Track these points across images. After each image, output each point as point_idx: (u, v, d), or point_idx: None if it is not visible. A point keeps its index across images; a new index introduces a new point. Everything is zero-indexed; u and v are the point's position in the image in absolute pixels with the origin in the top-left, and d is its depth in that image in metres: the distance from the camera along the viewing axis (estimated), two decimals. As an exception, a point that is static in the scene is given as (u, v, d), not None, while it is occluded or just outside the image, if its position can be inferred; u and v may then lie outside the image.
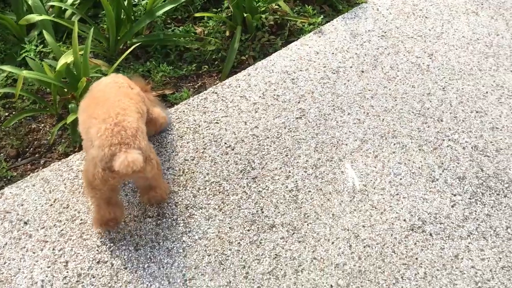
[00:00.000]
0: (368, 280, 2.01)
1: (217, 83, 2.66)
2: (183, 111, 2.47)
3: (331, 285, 1.99)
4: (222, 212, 2.14)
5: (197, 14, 2.89)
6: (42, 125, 2.55)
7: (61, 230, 2.04)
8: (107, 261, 1.97)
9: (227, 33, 2.98)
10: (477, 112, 2.54)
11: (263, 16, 2.88)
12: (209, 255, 2.02)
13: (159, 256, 2.00)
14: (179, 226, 2.09)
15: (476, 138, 2.44)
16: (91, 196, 1.92)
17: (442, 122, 2.49)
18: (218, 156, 2.31)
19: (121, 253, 2.00)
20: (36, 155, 2.42)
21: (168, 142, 2.34)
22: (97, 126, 1.80)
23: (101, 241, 2.03)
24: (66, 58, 2.35)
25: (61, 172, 2.22)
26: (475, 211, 2.22)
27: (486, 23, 2.86)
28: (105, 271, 1.94)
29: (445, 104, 2.55)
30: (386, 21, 2.88)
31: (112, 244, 2.02)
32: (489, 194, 2.27)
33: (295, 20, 2.98)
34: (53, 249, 1.99)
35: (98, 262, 1.97)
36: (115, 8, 2.66)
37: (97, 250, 2.00)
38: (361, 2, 3.01)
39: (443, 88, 2.62)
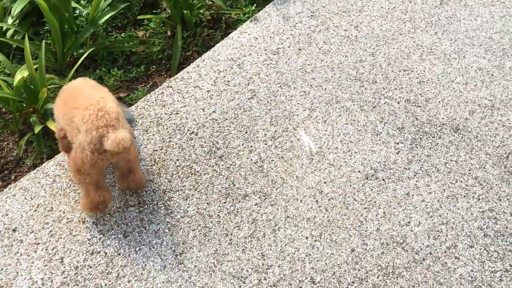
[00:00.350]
0: (337, 227, 2.29)
1: (168, 80, 2.85)
2: (144, 107, 2.65)
3: (306, 237, 2.25)
4: (198, 191, 2.35)
5: (139, 17, 3.06)
6: (5, 143, 2.63)
7: (50, 231, 2.16)
8: (100, 251, 2.12)
9: (169, 33, 3.17)
10: (404, 70, 2.90)
11: (201, 11, 3.10)
12: (193, 230, 2.22)
13: (148, 239, 2.17)
14: (160, 210, 2.27)
15: (407, 93, 2.80)
16: (80, 182, 2.06)
17: (376, 83, 2.82)
18: (184, 142, 2.51)
19: (112, 242, 2.15)
20: (5, 172, 2.50)
21: (135, 137, 2.51)
22: (81, 114, 1.96)
23: (90, 235, 2.17)
24: (22, 73, 2.46)
25: (38, 179, 2.33)
26: (417, 153, 2.56)
27: None
28: (100, 260, 2.09)
29: (376, 68, 2.89)
30: (313, 2, 3.19)
31: (101, 235, 2.17)
32: (426, 138, 2.62)
33: (229, 12, 3.22)
34: (46, 249, 2.11)
35: (92, 253, 2.11)
36: (59, 21, 2.78)
37: (89, 243, 2.14)
38: (287, -13, 3.30)
39: (372, 54, 2.96)
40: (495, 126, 2.69)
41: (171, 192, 2.33)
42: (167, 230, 2.21)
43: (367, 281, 2.13)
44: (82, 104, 1.99)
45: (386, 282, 2.13)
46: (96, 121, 1.93)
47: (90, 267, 2.07)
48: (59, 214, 2.22)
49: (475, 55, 2.99)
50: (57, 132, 2.24)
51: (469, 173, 2.51)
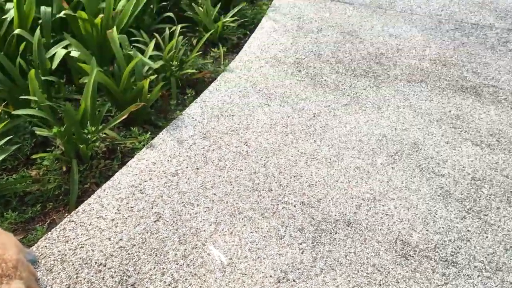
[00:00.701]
0: (259, 335, 2.35)
1: (67, 215, 2.84)
2: (45, 246, 2.58)
3: None
4: (113, 324, 2.28)
5: (32, 156, 3.08)
6: None
7: None
8: None
9: (64, 168, 3.20)
10: (294, 176, 3.21)
11: (96, 144, 3.21)
12: None
13: None
14: None
15: (301, 196, 3.08)
16: None
17: (272, 191, 3.08)
18: (92, 276, 2.47)
19: None
20: None
21: (39, 279, 2.41)
22: None
23: None
24: None
25: None
26: (320, 251, 2.77)
27: (277, 110, 3.67)
28: None
29: (269, 177, 3.17)
30: (203, 125, 3.48)
31: None
32: (324, 235, 2.87)
33: (124, 142, 3.38)
34: None
35: None
36: None
37: None
38: (177, 116, 3.58)
39: (264, 165, 3.25)
40: (380, 216, 3.03)
41: (85, 330, 2.24)
42: None
43: None
44: None
45: None
46: None
47: None
48: None
49: (351, 156, 3.42)
50: None
51: (367, 262, 2.76)
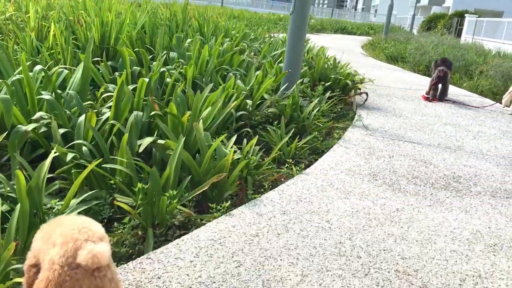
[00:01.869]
0: None
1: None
2: (120, 273, 2.44)
3: None
4: None
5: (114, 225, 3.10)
6: None
7: None
8: None
9: (139, 233, 3.17)
10: (384, 250, 3.01)
11: (174, 212, 3.21)
12: None
13: None
14: None
15: (394, 265, 2.84)
16: None
17: (361, 258, 2.87)
18: (169, 301, 2.26)
19: None
20: None
21: None
22: (62, 229, 1.81)
23: None
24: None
25: None
26: (424, 310, 2.45)
27: (357, 203, 3.61)
28: None
29: (356, 248, 2.99)
30: (281, 206, 3.46)
31: None
32: (427, 298, 2.56)
33: (199, 218, 3.36)
34: None
35: None
36: None
37: None
38: (254, 197, 3.59)
39: (349, 239, 3.09)
40: (490, 290, 2.71)
41: None
42: None
43: None
44: (66, 222, 1.89)
45: None
46: (76, 234, 1.79)
47: None
48: None
49: (444, 242, 3.22)
50: (27, 262, 1.98)
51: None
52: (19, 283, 2.34)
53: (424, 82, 10.25)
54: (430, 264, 2.90)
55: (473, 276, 2.83)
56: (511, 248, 3.23)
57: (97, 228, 1.89)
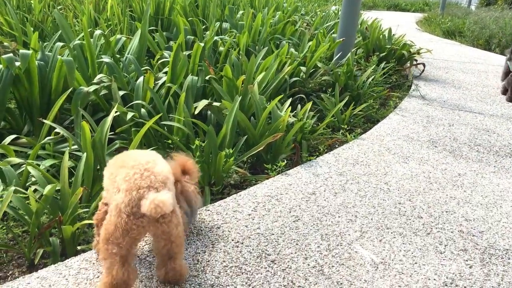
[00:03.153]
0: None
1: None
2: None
3: (396, 332, 1.84)
4: (252, 287, 2.00)
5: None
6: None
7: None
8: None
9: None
10: (446, 212, 2.90)
11: (230, 171, 3.22)
12: (253, 320, 1.81)
13: (196, 326, 1.74)
14: (209, 301, 1.89)
15: (458, 226, 2.74)
16: (105, 255, 1.75)
17: (422, 219, 2.78)
18: (229, 248, 2.26)
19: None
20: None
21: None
22: (125, 172, 1.83)
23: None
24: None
25: (59, 271, 1.97)
26: (492, 269, 2.35)
27: (416, 167, 3.48)
28: None
29: (417, 209, 2.90)
30: (337, 167, 3.39)
31: (136, 320, 1.73)
32: (495, 258, 2.45)
33: (255, 178, 3.35)
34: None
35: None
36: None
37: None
38: (310, 159, 3.55)
39: (409, 200, 3.00)
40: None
41: (220, 286, 1.98)
42: (219, 319, 1.79)
43: None
44: (130, 162, 1.91)
45: None
46: (139, 181, 1.80)
47: None
48: (82, 299, 1.81)
49: (511, 206, 3.07)
50: (99, 208, 2.04)
51: (557, 286, 2.26)
52: (87, 225, 2.42)
53: (483, 56, 9.80)
54: (496, 227, 2.78)
55: (543, 239, 2.69)
56: None
57: (160, 168, 1.90)
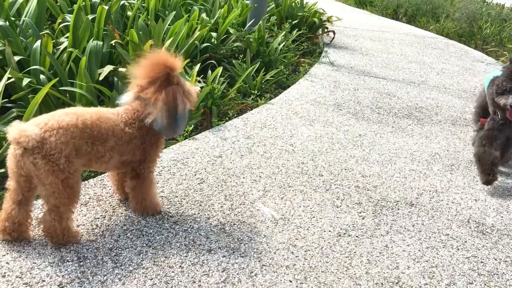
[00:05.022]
0: (322, 271, 2.03)
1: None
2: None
3: (290, 280, 1.94)
4: (152, 248, 2.01)
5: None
6: None
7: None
8: (25, 300, 1.62)
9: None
10: (345, 169, 3.06)
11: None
12: (151, 279, 1.82)
13: (92, 288, 1.73)
14: (106, 264, 1.87)
15: (355, 182, 2.89)
16: None
17: (323, 176, 2.91)
18: (130, 212, 2.25)
19: (42, 291, 1.67)
20: None
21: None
22: None
23: (12, 287, 1.67)
24: None
25: None
26: (382, 219, 2.52)
27: (321, 129, 3.62)
28: (26, 309, 1.58)
29: (319, 168, 3.02)
30: (245, 131, 3.45)
31: (27, 287, 1.68)
32: (386, 209, 2.63)
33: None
34: None
35: (14, 303, 1.60)
36: None
37: (10, 293, 1.64)
38: (219, 124, 3.57)
39: (312, 159, 3.12)
40: (445, 203, 2.80)
41: (119, 249, 1.98)
42: (117, 280, 1.79)
43: (373, 315, 1.81)
44: None
45: (395, 315, 1.83)
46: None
47: (11, 316, 1.55)
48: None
49: (404, 162, 3.28)
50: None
51: (438, 232, 2.48)
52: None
53: (391, 25, 10.22)
54: (389, 181, 2.97)
55: (430, 191, 2.91)
56: (467, 168, 3.33)
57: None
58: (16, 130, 1.72)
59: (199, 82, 3.81)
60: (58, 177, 1.79)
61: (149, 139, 2.08)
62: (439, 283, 2.06)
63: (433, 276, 2.11)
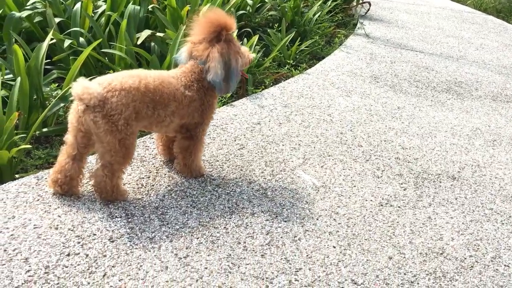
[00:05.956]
0: (365, 239, 2.04)
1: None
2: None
3: (334, 246, 1.96)
4: (197, 209, 2.04)
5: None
6: None
7: (11, 235, 1.70)
8: (78, 253, 1.67)
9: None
10: (385, 141, 3.03)
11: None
12: (197, 238, 1.86)
13: (141, 244, 1.77)
14: (154, 221, 1.92)
15: (395, 154, 2.87)
16: None
17: (362, 147, 2.90)
18: (174, 174, 2.28)
19: (94, 245, 1.72)
20: None
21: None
22: None
23: (65, 239, 1.73)
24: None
25: (-4, 193, 1.93)
26: (424, 191, 2.50)
27: (358, 100, 3.59)
28: (79, 261, 1.63)
29: (358, 138, 3.00)
30: (283, 100, 3.44)
31: (80, 239, 1.74)
32: (428, 182, 2.61)
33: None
34: (5, 250, 1.62)
35: (68, 255, 1.65)
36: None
37: (64, 246, 1.69)
38: (255, 92, 3.56)
39: (351, 130, 3.11)
40: (488, 177, 2.76)
41: (165, 208, 2.01)
42: (164, 237, 1.83)
43: (418, 284, 1.81)
44: None
45: (440, 284, 1.83)
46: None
47: (66, 267, 1.60)
48: (23, 221, 1.79)
49: (444, 136, 3.24)
50: None
51: (482, 206, 2.45)
52: (25, 153, 2.35)
53: (427, -2, 9.95)
54: (430, 154, 2.94)
55: (472, 165, 2.87)
56: (510, 144, 3.27)
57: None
58: (79, 86, 1.76)
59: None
60: (116, 137, 1.82)
61: (207, 101, 2.10)
62: (484, 256, 2.05)
63: (478, 248, 2.10)
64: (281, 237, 1.95)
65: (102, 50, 3.15)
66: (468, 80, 4.65)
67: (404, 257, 1.96)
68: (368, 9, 7.18)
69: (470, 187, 2.62)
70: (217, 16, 2.08)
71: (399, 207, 2.32)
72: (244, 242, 1.88)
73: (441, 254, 2.02)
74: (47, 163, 2.42)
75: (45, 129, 2.65)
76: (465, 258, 2.02)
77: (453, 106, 3.86)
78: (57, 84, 2.96)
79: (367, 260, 1.90)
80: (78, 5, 3.37)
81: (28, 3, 3.45)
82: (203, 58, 2.06)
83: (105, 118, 1.80)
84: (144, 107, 1.90)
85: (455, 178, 2.70)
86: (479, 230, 2.24)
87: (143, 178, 2.21)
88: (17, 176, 2.24)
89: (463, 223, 2.27)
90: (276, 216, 2.08)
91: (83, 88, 1.76)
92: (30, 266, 1.58)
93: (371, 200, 2.33)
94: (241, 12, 4.74)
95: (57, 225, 1.79)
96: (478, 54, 5.78)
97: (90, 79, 1.87)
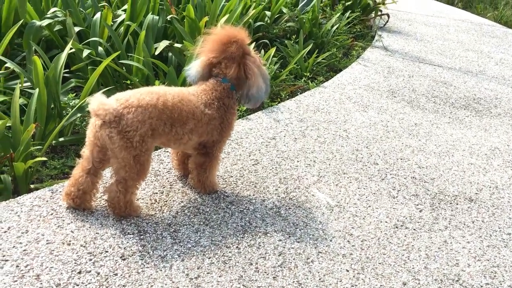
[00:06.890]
0: (379, 263, 2.00)
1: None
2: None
3: (347, 270, 1.93)
4: (209, 227, 2.03)
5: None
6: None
7: (24, 250, 1.71)
8: (90, 270, 1.66)
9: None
10: (401, 159, 2.99)
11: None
12: (209, 258, 1.84)
13: (152, 262, 1.76)
14: (166, 239, 1.90)
15: (411, 173, 2.83)
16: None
17: (378, 165, 2.86)
18: (187, 189, 2.27)
19: (105, 263, 1.71)
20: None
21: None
22: None
23: (77, 255, 1.72)
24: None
25: (11, 207, 1.93)
26: (440, 213, 2.46)
27: (375, 116, 3.55)
28: (90, 279, 1.62)
29: (373, 156, 2.97)
30: (298, 114, 3.42)
31: (92, 257, 1.73)
32: (444, 203, 2.56)
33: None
34: (17, 266, 1.62)
35: (79, 272, 1.64)
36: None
37: (75, 263, 1.69)
38: (271, 105, 3.55)
39: (367, 147, 3.07)
40: (506, 200, 2.70)
41: (177, 225, 2.00)
42: (176, 256, 1.82)
43: (433, 312, 1.78)
44: None
45: (456, 313, 1.79)
46: None
47: (77, 285, 1.59)
48: (36, 236, 1.79)
49: (462, 155, 3.18)
50: None
51: (500, 230, 2.40)
52: (41, 164, 2.36)
53: (446, 10, 9.87)
54: (447, 174, 2.89)
55: (490, 187, 2.82)
56: (529, 165, 3.20)
57: None
58: (96, 102, 1.77)
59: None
60: (130, 153, 1.81)
61: (227, 119, 2.10)
62: (501, 284, 2.01)
63: (494, 276, 2.05)
64: (294, 259, 1.92)
65: (120, 61, 3.16)
66: (487, 96, 4.58)
67: (419, 284, 1.92)
68: (387, 21, 7.14)
69: (487, 210, 2.57)
70: (234, 32, 2.08)
71: (414, 229, 2.28)
72: (256, 263, 1.86)
73: (457, 281, 1.98)
74: (62, 173, 2.43)
75: (61, 139, 2.66)
76: (481, 286, 1.97)
77: (471, 123, 3.80)
78: (74, 94, 2.98)
79: (381, 285, 1.87)
80: (98, 14, 3.39)
81: (48, 12, 3.48)
82: (227, 75, 2.06)
83: (120, 134, 1.79)
84: (161, 124, 1.89)
85: (473, 200, 2.65)
86: (496, 256, 2.19)
87: (156, 193, 2.21)
88: (32, 186, 2.25)
89: (480, 248, 2.22)
90: (289, 236, 2.05)
91: (99, 103, 1.77)
92: (41, 284, 1.58)
93: (386, 222, 2.30)
94: (259, 23, 4.73)
95: (70, 241, 1.79)
96: (498, 69, 5.70)
97: (106, 91, 1.88)
